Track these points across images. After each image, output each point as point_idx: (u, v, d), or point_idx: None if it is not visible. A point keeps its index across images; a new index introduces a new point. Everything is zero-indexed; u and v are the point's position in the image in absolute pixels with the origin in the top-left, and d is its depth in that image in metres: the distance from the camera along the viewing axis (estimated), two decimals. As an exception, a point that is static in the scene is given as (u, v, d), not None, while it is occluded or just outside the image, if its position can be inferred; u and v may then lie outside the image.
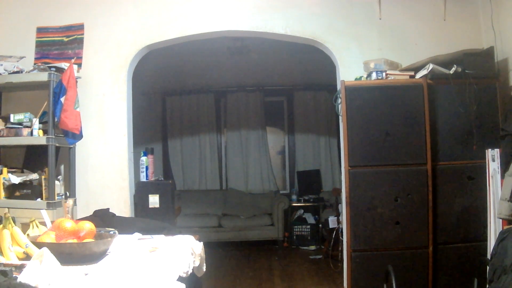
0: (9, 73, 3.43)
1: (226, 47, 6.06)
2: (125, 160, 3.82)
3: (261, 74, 6.99)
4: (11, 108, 3.73)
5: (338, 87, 3.74)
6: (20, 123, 3.37)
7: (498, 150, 3.14)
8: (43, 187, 3.29)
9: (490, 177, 3.16)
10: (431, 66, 3.36)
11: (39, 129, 3.34)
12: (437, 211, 3.35)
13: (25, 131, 3.34)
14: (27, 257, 1.66)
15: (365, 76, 3.62)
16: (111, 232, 1.99)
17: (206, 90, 7.11)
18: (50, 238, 1.72)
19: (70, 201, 2.75)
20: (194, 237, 2.28)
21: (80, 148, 3.69)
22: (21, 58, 3.57)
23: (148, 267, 1.68)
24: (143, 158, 3.97)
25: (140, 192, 3.86)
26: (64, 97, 3.27)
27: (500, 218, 2.87)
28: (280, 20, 3.88)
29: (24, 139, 3.36)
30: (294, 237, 6.35)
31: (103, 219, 2.68)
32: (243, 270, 5.11)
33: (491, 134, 3.31)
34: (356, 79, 3.63)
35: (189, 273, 1.93)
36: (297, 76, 7.04)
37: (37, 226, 2.00)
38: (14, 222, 1.78)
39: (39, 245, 1.64)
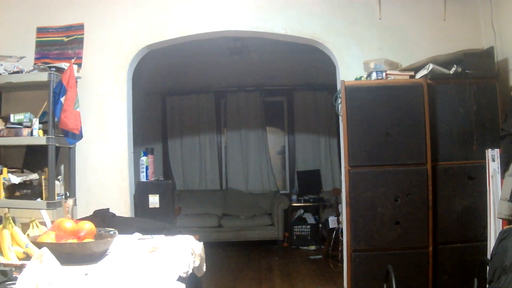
0: (9, 73, 3.43)
1: (226, 47, 6.06)
2: (125, 160, 3.82)
3: (261, 74, 6.99)
4: (11, 108, 3.73)
5: (338, 87, 3.74)
6: (20, 123, 3.37)
7: (498, 150, 3.14)
8: (43, 187, 3.29)
9: (490, 177, 3.16)
10: (431, 66, 3.36)
11: (39, 129, 3.34)
12: (437, 211, 3.35)
13: (25, 131, 3.34)
14: (27, 257, 1.66)
15: (365, 76, 3.62)
16: (111, 232, 1.99)
17: (206, 90, 7.11)
18: (50, 238, 1.72)
19: (70, 201, 2.74)
20: (194, 237, 2.28)
21: (80, 148, 3.69)
22: (21, 58, 3.57)
23: (148, 267, 1.68)
24: (143, 158, 3.97)
25: (140, 192, 3.86)
26: (64, 97, 3.27)
27: (500, 218, 2.87)
28: (280, 20, 3.88)
29: (24, 139, 3.36)
30: (294, 237, 6.35)
31: (103, 219, 2.68)
32: (243, 270, 5.11)
33: (491, 134, 3.31)
34: (356, 79, 3.63)
35: (189, 273, 1.92)
36: (297, 76, 7.04)
37: (37, 226, 1.99)
38: (14, 222, 1.78)
39: (39, 245, 1.63)
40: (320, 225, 6.28)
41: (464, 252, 3.34)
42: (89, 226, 1.81)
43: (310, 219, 6.45)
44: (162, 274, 1.63)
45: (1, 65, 3.44)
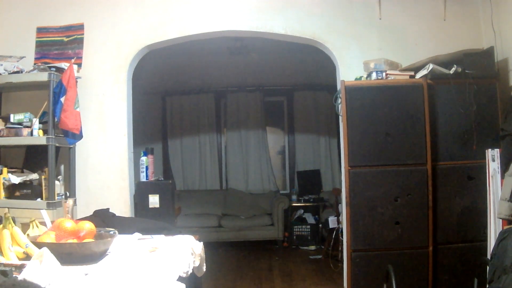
0: (9, 73, 3.43)
1: (226, 47, 6.06)
2: (125, 160, 3.82)
3: (261, 74, 6.99)
4: (11, 108, 3.73)
5: (338, 87, 3.74)
6: (20, 123, 3.37)
7: (498, 150, 3.14)
8: (43, 187, 3.29)
9: (490, 177, 3.16)
10: (431, 66, 3.36)
11: (39, 129, 3.34)
12: (437, 211, 3.35)
13: (25, 131, 3.33)
14: (27, 257, 1.66)
15: (365, 76, 3.62)
16: (111, 232, 1.99)
17: (206, 90, 7.11)
18: (50, 238, 1.72)
19: (70, 201, 2.74)
20: (194, 237, 2.28)
21: (80, 148, 3.69)
22: (21, 58, 3.57)
23: (148, 267, 1.68)
24: (143, 158, 3.97)
25: (140, 192, 3.86)
26: (64, 97, 3.27)
27: (500, 218, 2.87)
28: (280, 20, 3.88)
29: (24, 139, 3.36)
30: (294, 237, 6.35)
31: (103, 219, 2.68)
32: (243, 270, 5.11)
33: (491, 134, 3.31)
34: (356, 79, 3.63)
35: (189, 273, 1.92)
36: (297, 76, 7.05)
37: (37, 226, 1.99)
38: (14, 222, 1.78)
39: (39, 245, 1.63)
40: (320, 225, 6.28)
41: (464, 252, 3.34)
42: (89, 226, 1.81)
43: (310, 219, 6.46)
44: (162, 274, 1.63)
45: (1, 65, 3.44)
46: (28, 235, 1.85)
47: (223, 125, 7.27)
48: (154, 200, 3.81)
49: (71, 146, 3.58)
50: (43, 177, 3.30)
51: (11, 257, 1.63)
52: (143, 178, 3.95)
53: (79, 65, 3.73)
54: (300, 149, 7.20)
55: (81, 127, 3.37)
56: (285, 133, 7.34)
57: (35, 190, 3.29)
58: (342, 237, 4.11)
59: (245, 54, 6.27)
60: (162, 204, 3.81)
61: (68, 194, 3.53)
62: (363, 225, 3.34)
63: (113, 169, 3.81)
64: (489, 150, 3.19)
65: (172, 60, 6.50)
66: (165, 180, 4.05)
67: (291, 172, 7.22)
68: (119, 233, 2.04)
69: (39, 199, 3.27)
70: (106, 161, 3.81)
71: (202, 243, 2.25)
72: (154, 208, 3.79)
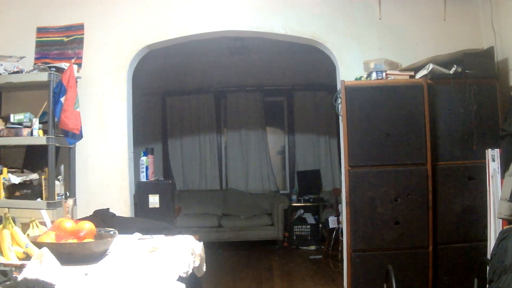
0: (9, 73, 3.43)
1: (226, 47, 6.07)
2: (125, 160, 3.82)
3: (261, 74, 7.00)
4: (11, 108, 3.73)
5: (338, 87, 3.74)
6: (20, 123, 3.37)
7: (498, 150, 3.14)
8: (43, 187, 3.29)
9: (490, 177, 3.16)
10: (431, 66, 3.36)
11: (39, 129, 3.34)
12: (437, 211, 3.35)
13: (25, 131, 3.33)
14: (27, 257, 1.66)
15: (365, 76, 3.62)
16: (111, 232, 1.99)
17: (206, 90, 7.11)
18: (50, 238, 1.72)
19: (70, 201, 2.74)
20: (194, 237, 2.28)
21: (80, 148, 3.69)
22: (21, 58, 3.57)
23: (148, 267, 1.68)
24: (143, 158, 3.97)
25: (140, 192, 3.86)
26: (64, 97, 3.27)
27: (500, 218, 2.87)
28: (280, 20, 3.88)
29: (24, 139, 3.36)
30: (294, 237, 6.35)
31: (103, 219, 2.68)
32: (243, 270, 5.11)
33: (491, 134, 3.31)
34: (356, 79, 3.63)
35: (189, 273, 1.92)
36: (297, 76, 7.05)
37: (37, 226, 1.99)
38: (14, 222, 1.78)
39: (39, 245, 1.63)
40: (320, 225, 6.28)
41: (464, 252, 3.34)
42: (89, 226, 1.81)
43: (310, 219, 6.46)
44: (162, 274, 1.63)
45: (1, 65, 3.44)
46: (28, 235, 1.85)
47: (223, 125, 7.27)
48: (154, 200, 3.81)
49: (71, 146, 3.58)
50: (43, 177, 3.30)
51: (11, 257, 1.63)
52: (143, 178, 3.95)
53: (79, 65, 3.73)
54: (300, 149, 7.20)
55: (81, 127, 3.37)
56: (285, 133, 7.34)
57: (35, 190, 3.29)
58: (342, 237, 4.12)
59: (245, 54, 6.27)
60: (162, 204, 3.81)
61: (68, 194, 3.53)
62: (363, 225, 3.34)
63: (113, 169, 3.81)
64: (489, 150, 3.19)
65: (172, 60, 6.51)
66: (165, 180, 4.05)
67: (291, 172, 7.22)
68: (119, 233, 2.04)
69: (39, 199, 3.27)
70: (106, 161, 3.81)
71: (202, 243, 2.25)
72: (154, 208, 3.79)
